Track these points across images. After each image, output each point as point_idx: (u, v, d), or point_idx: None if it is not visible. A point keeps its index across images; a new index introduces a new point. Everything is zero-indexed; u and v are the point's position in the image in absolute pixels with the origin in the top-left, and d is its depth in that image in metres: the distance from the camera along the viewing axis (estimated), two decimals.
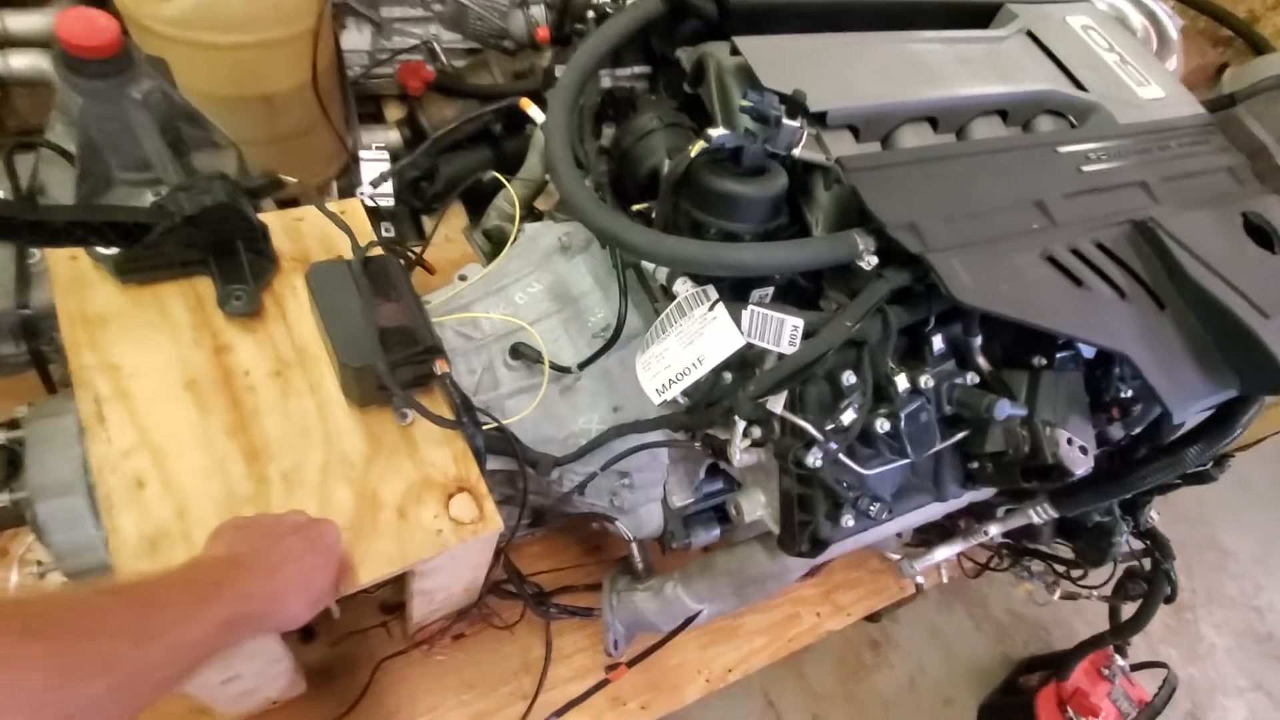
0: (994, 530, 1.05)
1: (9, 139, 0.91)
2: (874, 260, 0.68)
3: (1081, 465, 0.74)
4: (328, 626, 1.09)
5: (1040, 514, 1.00)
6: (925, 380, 0.72)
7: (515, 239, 1.04)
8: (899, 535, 1.23)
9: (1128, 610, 1.46)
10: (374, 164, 1.40)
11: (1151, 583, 1.44)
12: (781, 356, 0.71)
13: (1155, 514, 1.48)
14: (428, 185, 1.57)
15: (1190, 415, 0.76)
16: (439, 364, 0.78)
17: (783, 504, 0.78)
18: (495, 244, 1.23)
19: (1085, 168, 0.82)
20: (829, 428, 0.70)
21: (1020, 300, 0.67)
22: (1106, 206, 0.80)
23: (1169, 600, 1.46)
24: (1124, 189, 0.82)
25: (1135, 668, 1.55)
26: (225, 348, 0.79)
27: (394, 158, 1.13)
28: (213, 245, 0.80)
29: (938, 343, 0.74)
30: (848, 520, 0.74)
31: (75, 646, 0.42)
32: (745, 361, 0.77)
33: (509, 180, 1.13)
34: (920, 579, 1.40)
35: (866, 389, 0.70)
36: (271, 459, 0.74)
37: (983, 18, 0.99)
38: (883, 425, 0.71)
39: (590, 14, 0.86)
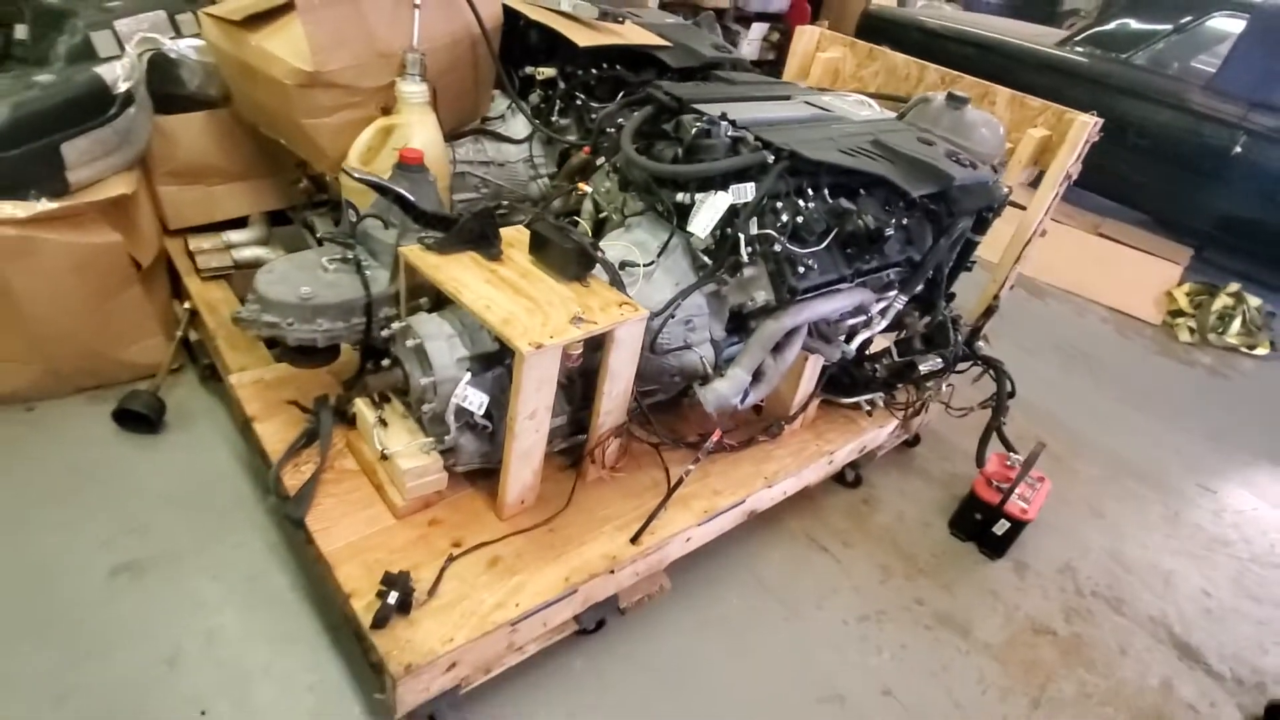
0: (876, 325, 1.97)
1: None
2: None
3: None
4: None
5: (897, 304, 1.95)
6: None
7: None
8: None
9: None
10: None
11: (998, 384, 2.36)
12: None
13: (983, 343, 2.45)
14: None
15: (917, 193, 1.76)
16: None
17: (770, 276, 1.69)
18: None
19: (846, 131, 1.90)
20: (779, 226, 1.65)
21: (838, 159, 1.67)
22: (860, 140, 1.86)
23: (1012, 395, 2.37)
24: (865, 136, 1.90)
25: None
26: (495, 270, 1.65)
27: None
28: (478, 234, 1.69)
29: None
30: (800, 272, 1.66)
31: None
32: (734, 211, 1.70)
33: None
34: (868, 408, 2.26)
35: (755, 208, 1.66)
36: (531, 298, 1.58)
37: (784, 99, 2.14)
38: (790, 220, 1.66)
39: None
